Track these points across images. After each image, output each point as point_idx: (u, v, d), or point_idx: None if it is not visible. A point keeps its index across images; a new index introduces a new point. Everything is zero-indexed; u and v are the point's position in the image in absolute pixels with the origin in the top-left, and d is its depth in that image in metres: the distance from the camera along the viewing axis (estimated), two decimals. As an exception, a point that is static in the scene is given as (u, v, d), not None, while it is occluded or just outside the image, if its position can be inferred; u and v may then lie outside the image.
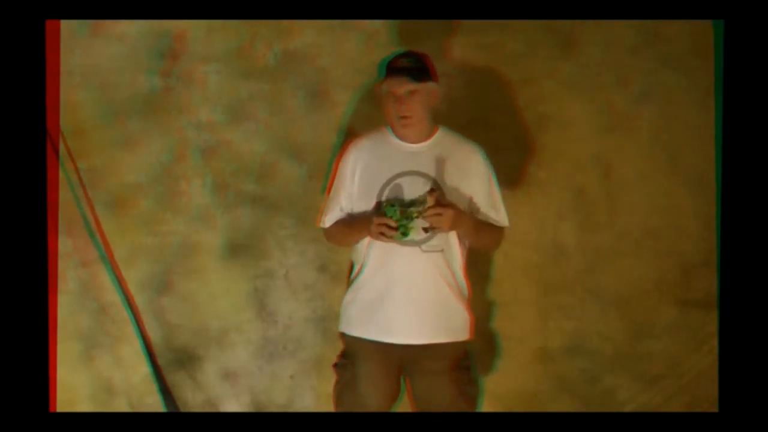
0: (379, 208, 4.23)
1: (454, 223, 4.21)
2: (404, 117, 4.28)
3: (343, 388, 4.37)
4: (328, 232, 4.45)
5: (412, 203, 4.19)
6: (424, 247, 4.28)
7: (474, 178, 4.37)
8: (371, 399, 4.32)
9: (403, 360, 4.33)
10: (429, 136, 4.37)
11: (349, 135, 4.74)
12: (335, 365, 4.41)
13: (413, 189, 4.28)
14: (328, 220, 4.41)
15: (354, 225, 4.33)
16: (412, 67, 4.27)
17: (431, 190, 4.21)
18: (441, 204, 4.20)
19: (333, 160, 4.55)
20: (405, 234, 4.17)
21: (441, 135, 4.38)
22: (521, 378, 4.93)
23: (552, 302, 4.95)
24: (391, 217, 4.16)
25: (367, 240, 4.30)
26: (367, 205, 4.29)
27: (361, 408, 4.32)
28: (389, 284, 4.28)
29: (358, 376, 4.32)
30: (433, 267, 4.30)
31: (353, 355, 4.35)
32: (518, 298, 4.93)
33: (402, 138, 4.34)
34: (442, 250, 4.31)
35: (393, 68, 4.29)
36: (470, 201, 4.36)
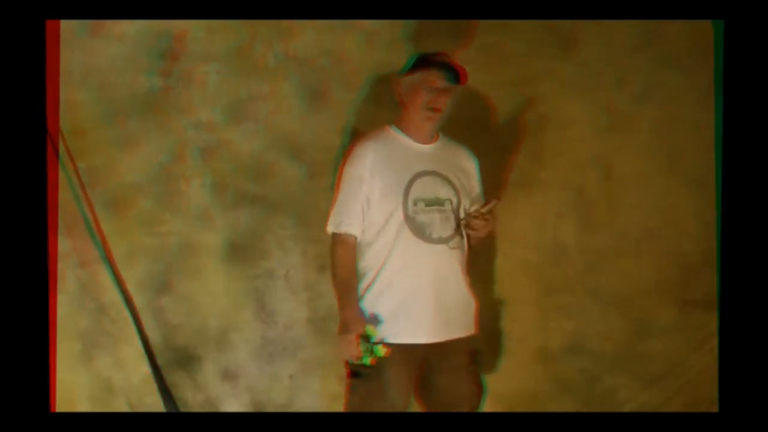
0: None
1: (488, 234, 4.33)
2: (437, 110, 4.29)
3: (366, 398, 4.25)
4: (337, 254, 4.31)
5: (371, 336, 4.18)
6: (450, 244, 4.29)
7: (472, 182, 4.42)
8: (398, 403, 4.25)
9: (425, 357, 4.29)
10: (434, 139, 4.38)
11: (353, 135, 4.74)
12: (353, 375, 4.26)
13: (435, 188, 4.30)
14: (347, 226, 4.28)
15: (343, 299, 4.27)
16: (452, 66, 4.30)
17: (499, 197, 4.34)
18: (492, 214, 4.27)
19: (335, 161, 4.55)
20: (363, 363, 4.15)
21: (442, 139, 4.41)
22: (522, 378, 4.93)
23: (552, 302, 4.95)
24: (361, 341, 4.13)
25: (390, 238, 4.26)
26: (391, 205, 4.26)
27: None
28: (416, 284, 4.25)
29: (385, 383, 4.22)
30: (458, 263, 4.32)
31: (382, 359, 4.21)
32: (518, 298, 4.93)
33: (412, 137, 4.34)
34: (461, 248, 4.34)
35: (435, 62, 4.31)
36: (468, 202, 4.37)
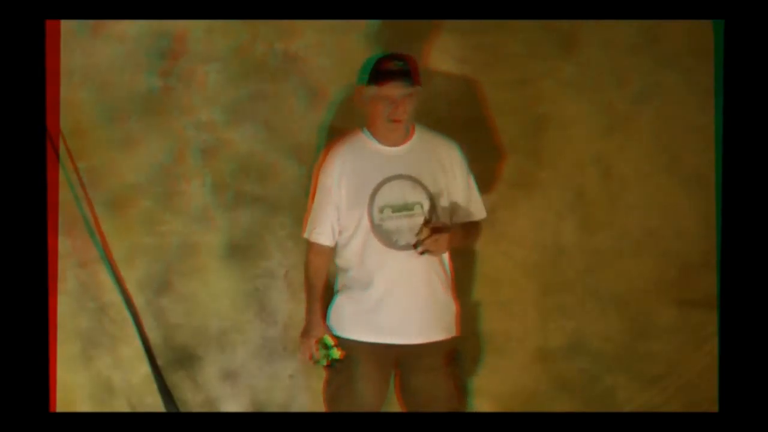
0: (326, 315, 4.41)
1: (450, 242, 4.29)
2: (398, 120, 4.29)
3: (337, 390, 4.37)
4: (309, 260, 4.42)
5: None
6: (420, 248, 4.29)
7: (456, 173, 4.40)
8: (367, 399, 4.33)
9: (398, 358, 4.35)
10: (408, 136, 4.37)
11: (329, 133, 4.74)
12: (328, 366, 4.39)
13: (403, 192, 4.30)
14: (317, 235, 4.38)
15: (308, 304, 4.41)
16: (405, 70, 4.29)
17: (426, 221, 4.28)
18: (436, 229, 4.26)
19: (310, 165, 4.55)
20: (320, 363, 4.37)
21: (418, 134, 4.40)
22: (521, 378, 4.93)
23: (552, 302, 4.95)
24: (320, 346, 4.35)
25: (359, 244, 4.32)
26: (358, 213, 4.30)
27: (356, 408, 4.33)
28: (388, 287, 4.30)
29: (355, 377, 4.33)
30: (429, 268, 4.33)
31: (347, 356, 4.34)
32: (518, 298, 4.93)
33: (383, 141, 4.35)
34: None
35: (387, 72, 4.29)
36: (452, 196, 4.38)
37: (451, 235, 4.29)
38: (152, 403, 4.81)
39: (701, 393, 4.90)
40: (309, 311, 4.41)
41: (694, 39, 4.94)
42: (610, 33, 4.92)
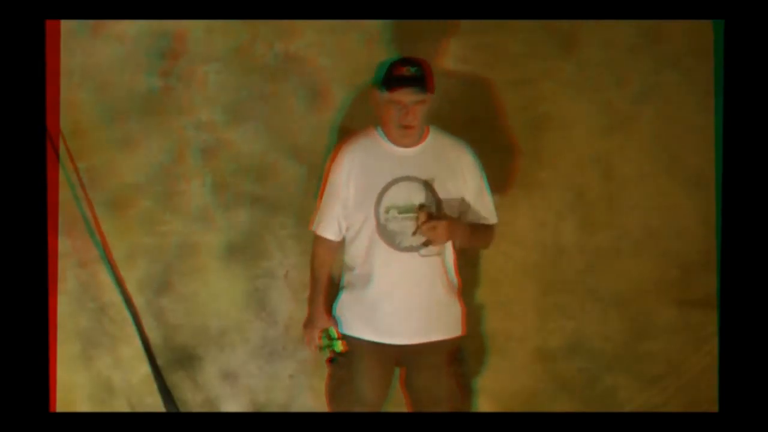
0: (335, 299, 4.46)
1: (450, 233, 4.28)
2: (409, 127, 4.29)
3: (338, 384, 4.41)
4: (315, 253, 4.47)
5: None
6: (422, 252, 4.30)
7: (466, 177, 4.40)
8: (367, 395, 4.37)
9: (399, 355, 4.37)
10: (421, 138, 4.37)
11: (342, 134, 4.74)
12: (330, 360, 4.43)
13: (410, 194, 4.30)
14: (323, 229, 4.42)
15: (311, 294, 4.46)
16: (418, 76, 4.27)
17: (420, 206, 4.27)
18: (434, 217, 4.25)
19: (323, 160, 4.56)
20: (323, 350, 4.44)
21: (432, 136, 4.40)
22: (521, 378, 4.93)
23: (552, 302, 4.95)
24: (323, 336, 4.41)
25: (364, 243, 4.33)
26: (364, 212, 4.32)
27: (356, 402, 4.36)
28: (389, 288, 4.32)
29: (355, 373, 4.36)
30: (431, 271, 4.34)
31: (350, 352, 4.37)
32: (518, 298, 4.93)
33: (395, 142, 4.35)
34: (438, 254, 4.34)
35: (399, 78, 4.27)
36: (462, 200, 4.38)
37: (450, 224, 4.27)
38: (152, 403, 4.82)
39: (701, 393, 4.91)
40: (312, 302, 4.45)
41: (694, 39, 4.94)
42: (610, 33, 4.92)
